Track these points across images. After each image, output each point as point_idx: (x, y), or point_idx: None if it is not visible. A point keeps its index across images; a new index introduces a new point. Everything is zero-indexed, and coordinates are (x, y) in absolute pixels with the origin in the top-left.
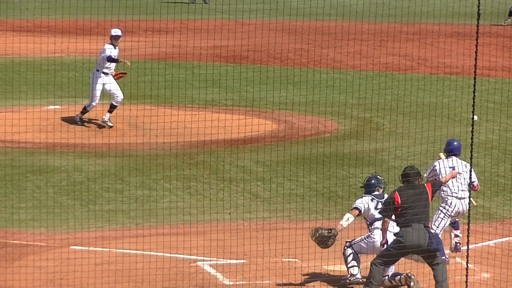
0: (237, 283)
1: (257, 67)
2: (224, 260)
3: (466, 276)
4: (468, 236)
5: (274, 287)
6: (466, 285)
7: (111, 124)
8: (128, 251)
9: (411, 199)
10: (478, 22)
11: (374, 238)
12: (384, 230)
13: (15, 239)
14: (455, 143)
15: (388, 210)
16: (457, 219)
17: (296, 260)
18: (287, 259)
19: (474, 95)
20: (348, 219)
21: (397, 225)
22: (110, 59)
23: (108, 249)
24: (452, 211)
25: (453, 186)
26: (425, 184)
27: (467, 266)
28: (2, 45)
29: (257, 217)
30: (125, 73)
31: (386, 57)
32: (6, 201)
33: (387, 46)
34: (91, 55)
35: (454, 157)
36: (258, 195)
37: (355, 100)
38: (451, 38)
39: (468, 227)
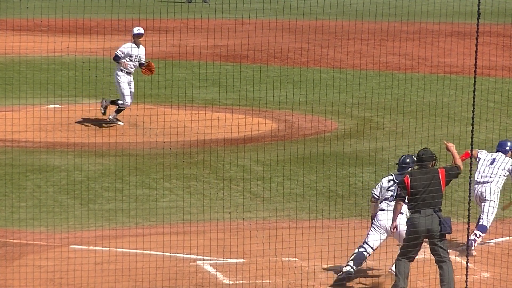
0: (237, 282)
1: (257, 66)
2: (224, 259)
3: (466, 275)
4: (468, 236)
5: (274, 286)
6: (466, 285)
7: (121, 123)
8: (128, 250)
9: (422, 183)
10: (478, 22)
11: (379, 218)
12: (396, 212)
13: (15, 238)
14: (508, 143)
15: (401, 192)
16: (483, 223)
17: (296, 259)
18: (287, 259)
19: (474, 95)
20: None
21: (409, 209)
22: (114, 58)
23: (108, 248)
24: (474, 197)
25: (477, 173)
26: (438, 169)
27: (467, 265)
28: (2, 44)
29: (257, 217)
30: (150, 62)
31: (386, 56)
32: (6, 200)
33: (387, 46)
34: (91, 54)
35: (499, 153)
36: (258, 194)
37: (355, 100)
38: (451, 38)
39: (468, 226)
